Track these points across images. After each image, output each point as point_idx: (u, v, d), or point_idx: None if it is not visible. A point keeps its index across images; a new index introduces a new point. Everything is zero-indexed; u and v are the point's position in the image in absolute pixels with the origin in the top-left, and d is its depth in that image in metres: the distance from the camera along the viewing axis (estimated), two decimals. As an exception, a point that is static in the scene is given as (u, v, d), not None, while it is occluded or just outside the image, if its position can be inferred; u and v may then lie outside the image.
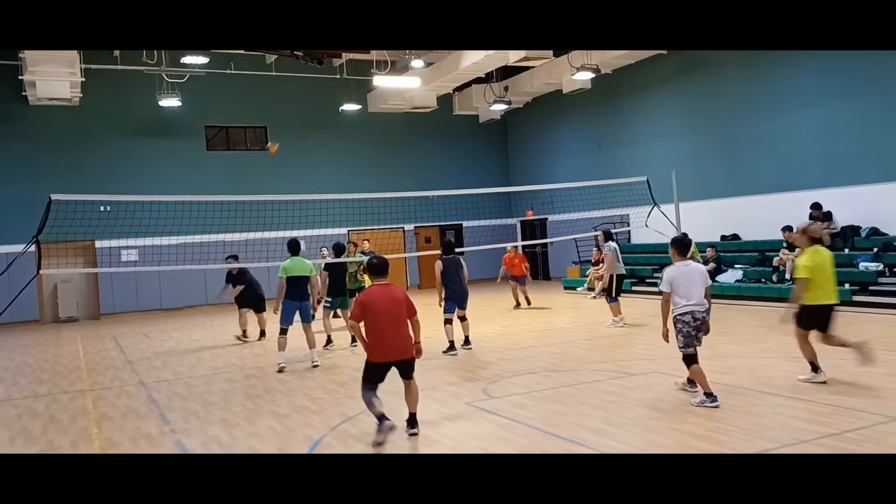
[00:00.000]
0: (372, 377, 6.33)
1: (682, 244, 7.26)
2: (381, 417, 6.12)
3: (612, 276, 12.96)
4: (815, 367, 7.62)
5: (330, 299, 12.35)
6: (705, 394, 6.86)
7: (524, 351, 10.78)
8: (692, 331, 6.95)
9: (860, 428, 5.93)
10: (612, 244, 13.29)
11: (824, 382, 7.48)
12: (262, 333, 13.58)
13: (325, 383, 9.21)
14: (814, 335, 7.63)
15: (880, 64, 14.36)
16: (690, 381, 7.33)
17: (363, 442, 6.46)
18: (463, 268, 11.14)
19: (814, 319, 7.59)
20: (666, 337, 7.24)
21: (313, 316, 10.62)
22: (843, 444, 5.56)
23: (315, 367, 10.16)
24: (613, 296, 12.91)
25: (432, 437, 6.38)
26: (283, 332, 10.30)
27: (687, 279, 6.99)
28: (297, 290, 10.34)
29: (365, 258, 13.92)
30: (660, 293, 7.55)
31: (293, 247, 10.51)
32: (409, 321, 6.35)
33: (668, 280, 7.04)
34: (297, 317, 10.46)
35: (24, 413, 8.43)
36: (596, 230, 14.27)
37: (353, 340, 11.86)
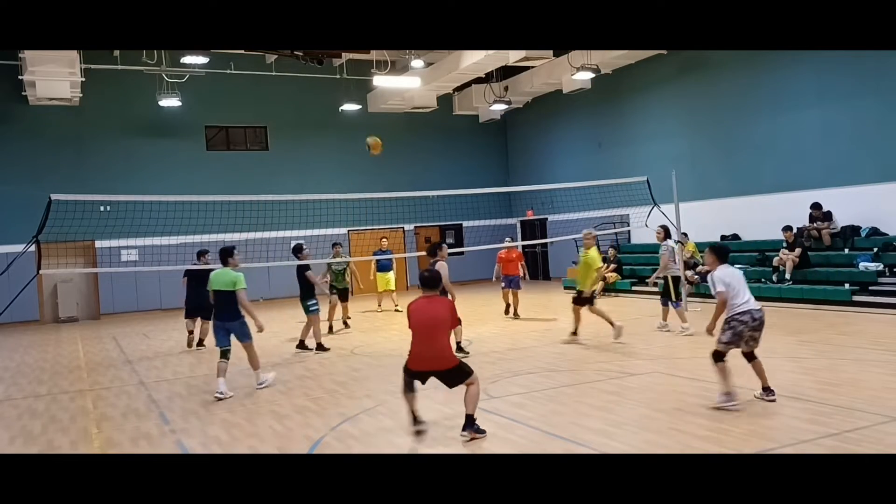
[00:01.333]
0: (407, 383, 6.35)
1: (722, 251, 7.25)
2: (414, 417, 6.30)
3: (667, 279, 12.02)
4: (576, 332, 11.17)
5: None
6: (725, 392, 6.82)
7: (524, 351, 10.78)
8: (747, 331, 6.86)
9: (860, 428, 5.93)
10: (671, 243, 12.23)
11: (571, 341, 11.05)
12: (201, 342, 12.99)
13: (325, 383, 9.21)
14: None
15: (880, 64, 14.36)
16: (766, 390, 7.03)
17: (363, 442, 6.47)
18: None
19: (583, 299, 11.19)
20: (711, 331, 7.14)
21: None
22: (843, 444, 5.56)
23: (260, 387, 8.95)
24: (674, 299, 11.95)
25: (432, 436, 6.37)
26: (222, 354, 8.80)
27: (738, 280, 6.99)
28: (218, 307, 8.93)
29: (350, 259, 14.12)
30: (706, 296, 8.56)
31: (221, 255, 9.09)
32: (451, 331, 6.49)
33: (721, 281, 6.93)
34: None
35: (24, 413, 8.43)
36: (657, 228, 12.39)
37: (300, 345, 11.84)
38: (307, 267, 11.96)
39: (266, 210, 18.53)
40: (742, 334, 6.87)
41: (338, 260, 14.62)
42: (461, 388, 6.28)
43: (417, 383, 6.33)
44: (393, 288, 17.17)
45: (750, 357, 7.06)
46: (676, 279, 12.16)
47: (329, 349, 11.76)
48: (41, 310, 20.17)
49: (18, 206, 18.26)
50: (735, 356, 6.98)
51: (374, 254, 16.93)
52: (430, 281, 6.63)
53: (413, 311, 6.41)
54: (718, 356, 6.88)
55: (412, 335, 6.37)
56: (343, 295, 14.62)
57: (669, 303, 12.08)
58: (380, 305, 17.51)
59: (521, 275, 14.99)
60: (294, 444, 6.51)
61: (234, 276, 8.87)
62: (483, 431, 6.29)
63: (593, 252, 11.24)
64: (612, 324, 10.91)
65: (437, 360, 6.24)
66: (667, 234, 12.34)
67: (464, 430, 6.23)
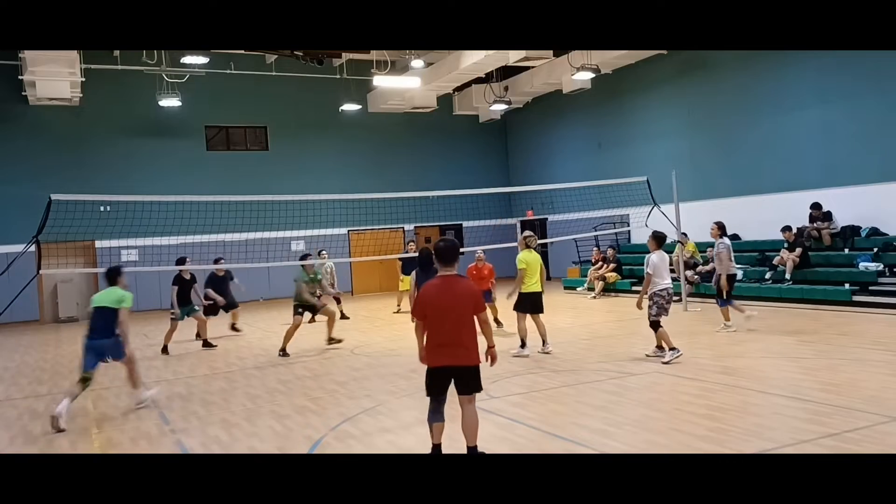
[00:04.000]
0: (432, 388, 5.40)
1: (660, 238, 9.67)
2: (435, 450, 5.48)
3: (726, 277, 11.46)
4: (524, 344, 10.30)
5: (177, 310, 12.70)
6: (670, 349, 9.07)
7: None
8: (665, 304, 9.29)
9: (860, 428, 5.92)
10: (727, 240, 11.74)
11: (528, 356, 10.11)
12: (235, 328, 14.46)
13: (325, 383, 9.21)
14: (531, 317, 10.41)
15: (880, 64, 14.36)
16: (659, 348, 9.34)
17: (363, 442, 6.46)
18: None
19: (526, 303, 10.40)
20: (640, 306, 9.59)
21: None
22: (843, 444, 5.55)
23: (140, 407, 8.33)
24: (724, 297, 11.50)
25: (432, 437, 6.37)
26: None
27: (665, 264, 9.47)
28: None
29: (328, 263, 13.62)
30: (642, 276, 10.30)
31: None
32: (475, 319, 5.37)
33: (653, 264, 9.38)
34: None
35: (24, 413, 8.43)
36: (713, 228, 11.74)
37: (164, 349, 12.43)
38: (177, 280, 12.76)
39: (266, 210, 18.54)
40: (663, 307, 9.25)
41: (319, 261, 12.56)
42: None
43: (446, 407, 5.48)
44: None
45: (657, 326, 9.27)
46: (732, 277, 11.58)
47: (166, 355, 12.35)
48: (41, 310, 20.18)
49: (18, 206, 18.28)
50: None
51: (401, 256, 16.96)
52: (446, 252, 5.34)
53: (429, 296, 5.31)
54: (656, 325, 9.22)
55: (429, 326, 5.34)
56: (311, 310, 12.08)
57: (727, 302, 11.53)
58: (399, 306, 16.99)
59: (491, 288, 13.22)
60: (294, 444, 6.50)
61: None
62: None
63: None
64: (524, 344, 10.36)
65: (464, 354, 5.26)
66: (722, 230, 11.77)
67: None
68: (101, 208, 18.59)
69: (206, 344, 12.96)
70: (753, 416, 6.55)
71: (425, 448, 6.12)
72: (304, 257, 12.52)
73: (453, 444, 6.20)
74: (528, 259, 10.50)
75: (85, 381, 7.86)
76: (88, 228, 15.57)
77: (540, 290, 10.49)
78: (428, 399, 5.49)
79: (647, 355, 9.47)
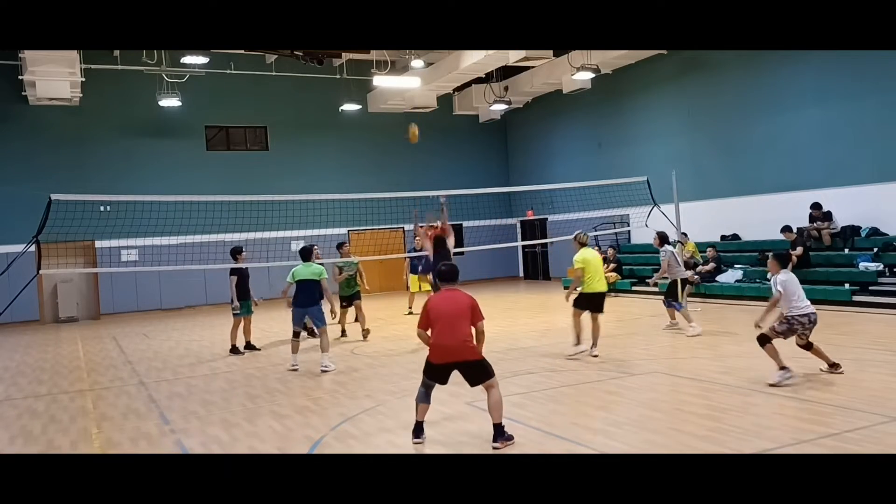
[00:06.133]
0: (428, 377, 6.27)
1: (784, 257, 8.13)
2: (418, 427, 6.28)
3: (674, 281, 12.01)
4: (578, 340, 10.06)
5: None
6: (781, 368, 7.60)
7: (524, 351, 10.78)
8: (801, 328, 7.77)
9: (860, 428, 5.93)
10: (669, 248, 12.27)
11: (583, 351, 9.92)
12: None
13: (325, 383, 9.21)
14: (588, 315, 10.03)
15: (880, 64, 14.35)
16: (832, 365, 7.94)
17: (363, 442, 6.47)
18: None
19: (588, 302, 10.04)
20: (760, 325, 7.87)
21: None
22: (843, 444, 5.56)
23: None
24: (679, 300, 11.98)
25: (432, 436, 6.37)
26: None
27: (797, 285, 7.87)
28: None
29: (359, 260, 13.78)
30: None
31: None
32: (473, 327, 6.21)
33: (782, 283, 7.79)
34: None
35: (24, 413, 8.43)
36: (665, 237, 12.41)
37: (232, 349, 12.02)
38: (235, 271, 12.02)
39: (266, 210, 18.54)
40: (794, 330, 7.76)
41: (346, 260, 13.24)
42: (458, 388, 6.15)
43: (433, 392, 6.27)
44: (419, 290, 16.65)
45: (807, 346, 7.96)
46: (684, 281, 12.15)
47: (260, 349, 12.17)
48: (41, 310, 20.17)
49: (18, 206, 18.26)
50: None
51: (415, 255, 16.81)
52: (448, 274, 6.45)
53: (434, 305, 6.27)
54: (764, 340, 7.74)
55: (433, 327, 6.23)
56: (351, 301, 13.30)
57: (673, 304, 12.09)
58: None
59: None
60: (294, 444, 6.51)
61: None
62: (512, 437, 6.08)
63: None
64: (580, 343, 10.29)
65: (460, 351, 6.10)
66: (663, 240, 12.31)
67: (495, 440, 6.01)
68: (101, 208, 18.59)
69: (250, 346, 12.25)
70: (753, 416, 6.55)
71: (425, 448, 6.14)
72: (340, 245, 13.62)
73: (458, 445, 6.21)
74: (588, 257, 10.12)
75: (296, 335, 10.37)
76: (88, 228, 15.57)
77: (604, 289, 10.21)
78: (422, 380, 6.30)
79: (770, 384, 7.57)
